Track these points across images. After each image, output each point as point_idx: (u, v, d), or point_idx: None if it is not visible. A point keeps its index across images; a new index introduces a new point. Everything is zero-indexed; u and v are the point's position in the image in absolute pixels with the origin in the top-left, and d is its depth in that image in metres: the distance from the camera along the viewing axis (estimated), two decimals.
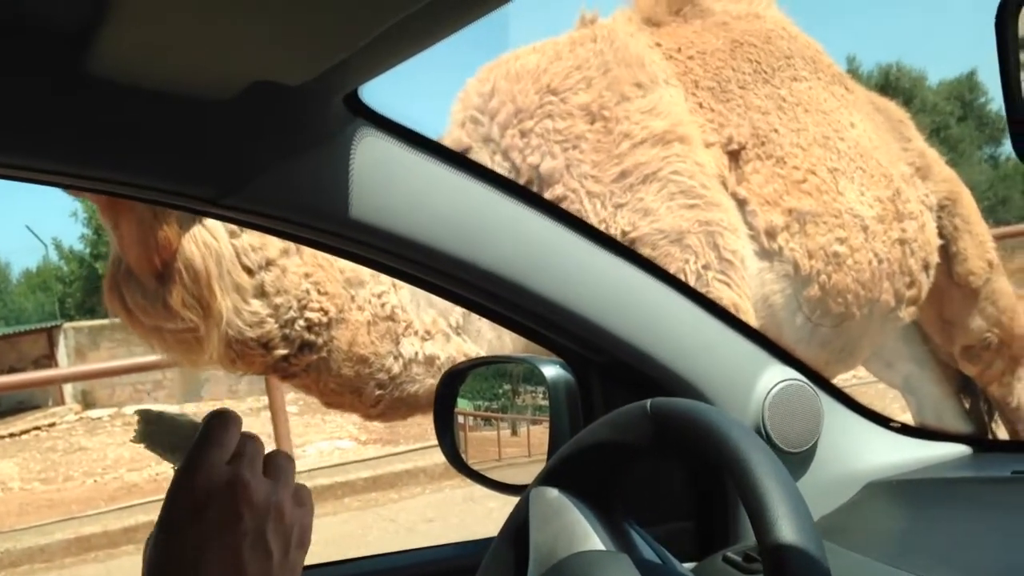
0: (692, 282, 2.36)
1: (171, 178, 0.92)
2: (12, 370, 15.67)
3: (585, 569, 0.84)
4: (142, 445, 0.88)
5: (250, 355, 2.05)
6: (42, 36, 0.78)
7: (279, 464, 0.78)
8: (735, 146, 2.65)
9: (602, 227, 2.35)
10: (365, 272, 2.16)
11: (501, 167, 2.44)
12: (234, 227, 1.97)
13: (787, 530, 0.68)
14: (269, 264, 2.03)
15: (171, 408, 14.70)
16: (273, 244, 2.03)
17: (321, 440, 10.06)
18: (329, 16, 0.73)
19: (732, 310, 2.23)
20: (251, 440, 0.78)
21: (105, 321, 16.34)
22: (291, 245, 2.05)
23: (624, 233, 2.37)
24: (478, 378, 1.49)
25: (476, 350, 2.31)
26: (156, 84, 0.84)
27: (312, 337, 2.08)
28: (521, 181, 2.42)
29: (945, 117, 29.38)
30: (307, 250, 2.06)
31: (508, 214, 1.11)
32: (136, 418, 0.89)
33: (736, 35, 2.92)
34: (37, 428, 14.46)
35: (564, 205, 2.36)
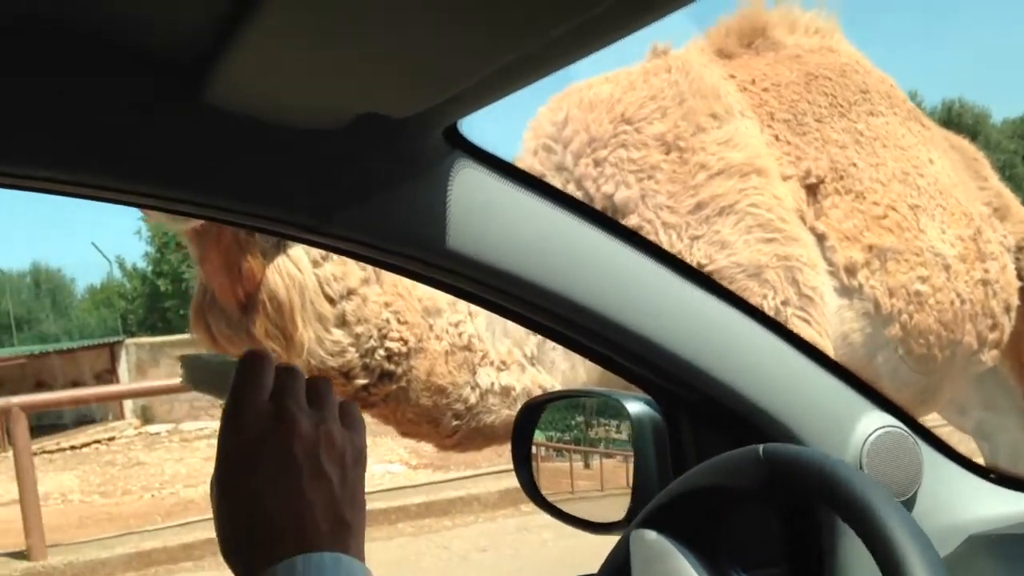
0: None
1: (276, 205, 0.93)
2: (75, 384, 16.07)
3: None
4: (191, 387, 0.90)
5: (335, 385, 2.04)
6: (163, 65, 0.81)
7: (320, 391, 0.79)
8: (813, 180, 2.61)
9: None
10: (442, 301, 2.16)
11: (575, 196, 2.43)
12: (317, 256, 1.99)
13: None
14: (350, 293, 2.03)
15: None
16: (354, 273, 2.04)
17: (373, 463, 10.09)
18: (444, 55, 0.74)
19: None
20: (289, 373, 0.78)
21: (165, 338, 16.70)
22: (371, 274, 2.05)
23: (700, 266, 2.33)
24: (552, 409, 1.47)
25: (551, 381, 2.30)
26: (268, 114, 0.86)
27: (392, 367, 2.08)
28: None
29: (1010, 155, 28.75)
30: (387, 279, 2.07)
31: (600, 247, 1.10)
32: (180, 364, 0.90)
33: (810, 68, 2.89)
34: (97, 442, 14.78)
35: None
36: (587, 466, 1.43)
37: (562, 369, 2.31)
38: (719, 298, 1.16)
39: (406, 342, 2.08)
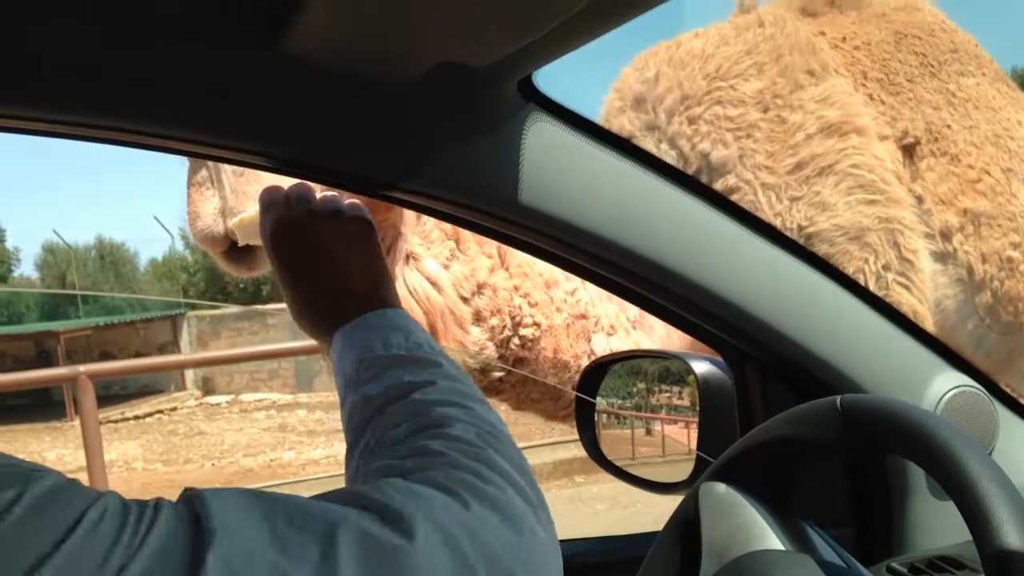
0: (871, 283, 2.23)
1: (354, 161, 0.92)
2: (138, 354, 16.50)
3: (766, 569, 0.81)
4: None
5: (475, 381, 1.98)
6: (244, 15, 0.78)
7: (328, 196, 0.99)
8: (910, 140, 2.49)
9: (777, 220, 2.26)
10: (556, 271, 2.06)
11: (667, 155, 2.34)
12: (443, 260, 1.91)
13: (1013, 535, 0.64)
14: (481, 288, 1.94)
15: (286, 397, 15.21)
16: (482, 266, 1.95)
17: None
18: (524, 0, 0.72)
19: (911, 315, 2.10)
20: (299, 188, 0.98)
21: (226, 311, 16.99)
22: (496, 259, 1.97)
23: (800, 228, 2.25)
24: (615, 375, 1.45)
25: (651, 346, 2.23)
26: (348, 65, 0.83)
27: (526, 353, 2.01)
28: (689, 170, 2.31)
29: None
30: (511, 260, 1.99)
31: (676, 204, 1.08)
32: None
33: (898, 27, 2.77)
34: (160, 412, 15.17)
35: (736, 196, 2.26)
36: (649, 433, 1.43)
37: (660, 335, 2.24)
38: (795, 256, 1.15)
39: (539, 325, 2.00)
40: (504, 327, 1.96)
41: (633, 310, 2.21)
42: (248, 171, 1.54)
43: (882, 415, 0.78)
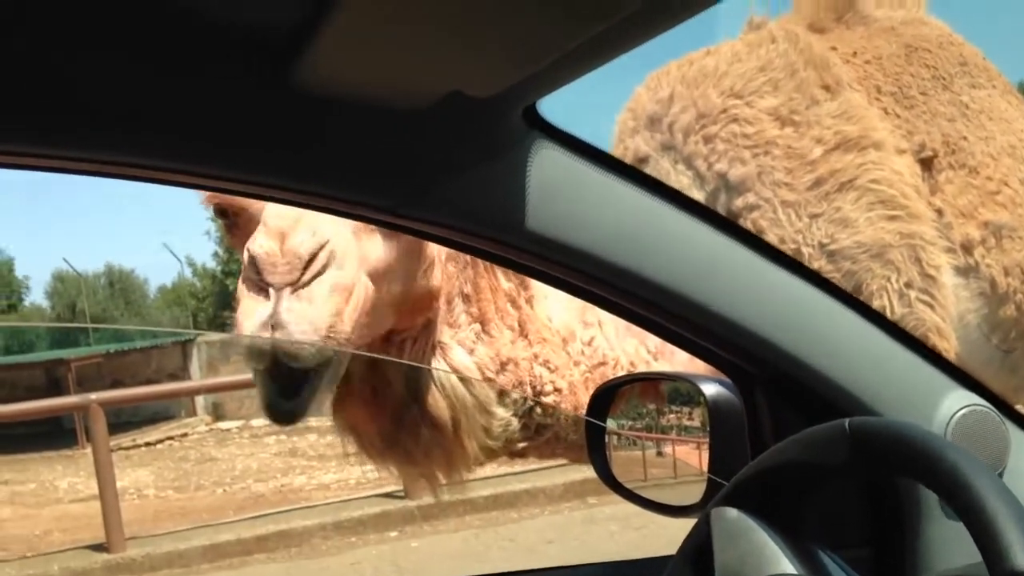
0: (894, 301, 2.22)
1: (355, 188, 0.93)
2: (149, 381, 16.48)
3: None
4: None
5: (493, 457, 1.97)
6: (252, 48, 0.80)
7: None
8: (928, 153, 2.48)
9: (798, 238, 2.24)
10: (574, 321, 2.04)
11: (684, 175, 2.33)
12: (468, 344, 1.89)
13: (1022, 557, 0.64)
14: (504, 365, 1.92)
15: None
16: (505, 341, 1.93)
17: None
18: (524, 32, 0.74)
19: (934, 334, 2.09)
20: None
21: (236, 336, 17.01)
22: (516, 328, 1.95)
23: (822, 245, 2.23)
24: (625, 397, 1.44)
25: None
26: (354, 96, 0.85)
27: (547, 420, 1.98)
28: (707, 189, 2.30)
29: None
30: (531, 327, 1.97)
31: (682, 228, 1.09)
32: None
33: (908, 40, 2.77)
34: (171, 438, 15.13)
35: (756, 215, 2.25)
36: (660, 454, 1.44)
37: (682, 360, 2.23)
38: (802, 277, 1.16)
39: (560, 391, 1.97)
40: (526, 398, 1.94)
41: (654, 340, 2.19)
42: None
43: (889, 438, 0.79)
